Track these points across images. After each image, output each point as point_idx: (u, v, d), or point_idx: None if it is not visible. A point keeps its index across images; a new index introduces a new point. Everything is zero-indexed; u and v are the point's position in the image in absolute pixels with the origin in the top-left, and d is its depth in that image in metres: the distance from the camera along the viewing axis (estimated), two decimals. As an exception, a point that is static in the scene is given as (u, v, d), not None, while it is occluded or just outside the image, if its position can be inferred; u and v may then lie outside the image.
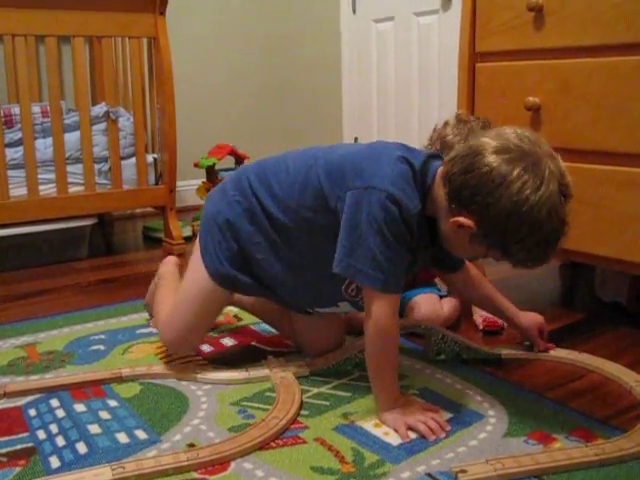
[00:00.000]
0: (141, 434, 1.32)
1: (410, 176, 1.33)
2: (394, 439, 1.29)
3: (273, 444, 1.28)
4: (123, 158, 2.80)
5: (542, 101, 1.87)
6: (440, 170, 1.34)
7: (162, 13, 2.76)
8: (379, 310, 1.33)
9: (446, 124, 1.86)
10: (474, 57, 2.07)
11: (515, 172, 1.20)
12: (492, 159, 1.22)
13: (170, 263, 1.90)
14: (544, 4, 1.85)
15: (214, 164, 3.33)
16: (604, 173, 1.73)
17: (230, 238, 1.51)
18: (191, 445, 1.27)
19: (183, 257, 2.78)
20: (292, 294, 1.55)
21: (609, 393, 1.48)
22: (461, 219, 1.27)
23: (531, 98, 1.88)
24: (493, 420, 1.36)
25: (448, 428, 1.32)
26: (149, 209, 3.29)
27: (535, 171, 1.20)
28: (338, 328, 1.68)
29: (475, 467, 1.17)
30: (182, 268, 1.67)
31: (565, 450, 1.23)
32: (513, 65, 1.96)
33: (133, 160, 2.82)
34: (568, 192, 1.24)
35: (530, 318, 1.68)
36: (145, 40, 2.86)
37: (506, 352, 1.68)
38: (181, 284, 1.64)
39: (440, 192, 1.32)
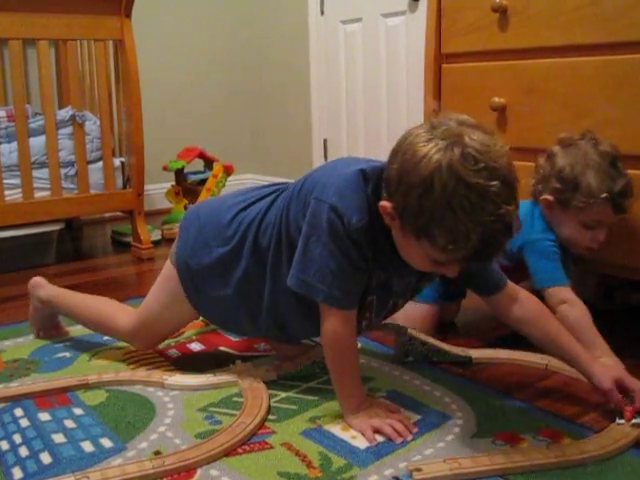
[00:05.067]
0: (106, 442, 1.30)
1: (361, 188, 1.28)
2: (361, 442, 1.28)
3: (240, 450, 1.27)
4: (90, 162, 2.77)
5: (507, 101, 1.88)
6: None
7: (128, 15, 2.73)
8: (329, 323, 1.33)
9: (551, 155, 1.67)
10: (440, 58, 2.07)
11: (429, 145, 1.14)
12: (412, 137, 1.19)
13: (43, 283, 1.86)
14: (508, 5, 1.86)
15: (183, 167, 3.33)
16: (569, 173, 1.74)
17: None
18: (157, 453, 1.26)
19: (152, 261, 2.77)
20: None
21: (576, 392, 1.49)
22: (383, 202, 1.23)
23: (496, 99, 1.89)
24: (461, 421, 1.36)
25: (415, 430, 1.32)
26: (118, 213, 3.26)
27: (445, 136, 1.14)
28: None
29: (431, 466, 1.18)
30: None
31: (525, 451, 1.23)
32: (478, 66, 1.96)
33: (100, 164, 2.79)
34: (480, 160, 1.12)
35: (605, 369, 1.39)
36: (111, 43, 2.83)
37: (477, 355, 1.67)
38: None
39: None
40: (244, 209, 1.50)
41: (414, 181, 1.15)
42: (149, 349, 1.71)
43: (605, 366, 1.40)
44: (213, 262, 1.50)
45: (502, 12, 1.88)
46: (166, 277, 1.61)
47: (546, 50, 1.81)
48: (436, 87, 2.06)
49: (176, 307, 1.59)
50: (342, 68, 3.60)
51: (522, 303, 1.44)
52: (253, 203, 1.50)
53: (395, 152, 1.22)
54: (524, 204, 1.69)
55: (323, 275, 1.29)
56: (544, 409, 1.42)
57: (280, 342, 1.66)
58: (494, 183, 1.11)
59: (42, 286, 1.84)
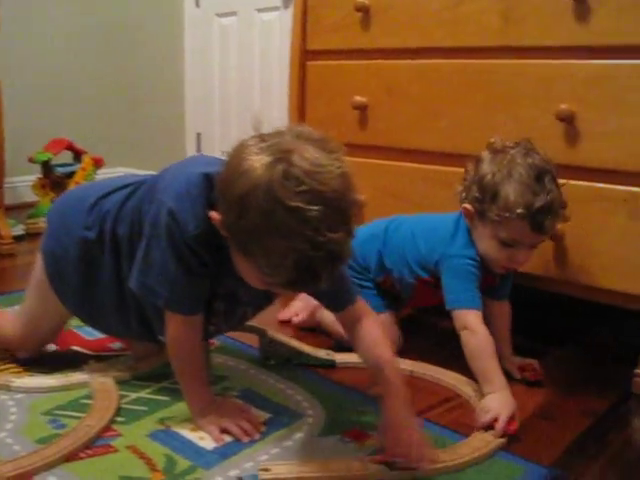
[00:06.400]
0: (-63, 453, 1.24)
1: (201, 194, 1.21)
2: (209, 443, 1.27)
3: (82, 454, 1.22)
4: (-56, 153, 2.63)
5: (369, 101, 1.91)
6: None
7: (-15, -1, 2.61)
8: (171, 327, 1.30)
9: (479, 161, 1.51)
10: (305, 55, 2.08)
11: (254, 159, 1.06)
12: (242, 148, 1.11)
13: None
14: (370, 5, 1.89)
15: (49, 159, 3.20)
16: (423, 172, 1.78)
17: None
18: (-7, 461, 1.20)
19: (14, 257, 2.66)
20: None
21: (423, 390, 1.53)
22: (212, 213, 1.16)
23: (358, 97, 1.91)
24: (310, 420, 1.37)
25: (262, 429, 1.31)
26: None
27: (273, 150, 1.06)
28: None
29: (281, 467, 1.17)
30: None
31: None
32: (342, 64, 1.99)
33: (-45, 155, 2.66)
34: (304, 181, 1.03)
35: (398, 432, 1.21)
36: (-32, 27, 2.70)
37: (342, 358, 1.65)
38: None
39: None
40: (104, 196, 1.44)
41: (232, 198, 1.08)
42: (36, 354, 1.61)
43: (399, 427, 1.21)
44: (77, 250, 1.43)
45: (365, 12, 1.90)
46: (36, 275, 1.53)
47: (406, 51, 1.85)
48: (300, 84, 2.07)
49: (51, 305, 1.51)
50: (216, 62, 3.57)
51: (361, 328, 1.33)
52: (114, 191, 1.44)
53: (224, 162, 1.15)
54: (452, 215, 1.60)
55: (162, 279, 1.25)
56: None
57: (140, 341, 1.61)
58: (315, 207, 1.02)
59: None
